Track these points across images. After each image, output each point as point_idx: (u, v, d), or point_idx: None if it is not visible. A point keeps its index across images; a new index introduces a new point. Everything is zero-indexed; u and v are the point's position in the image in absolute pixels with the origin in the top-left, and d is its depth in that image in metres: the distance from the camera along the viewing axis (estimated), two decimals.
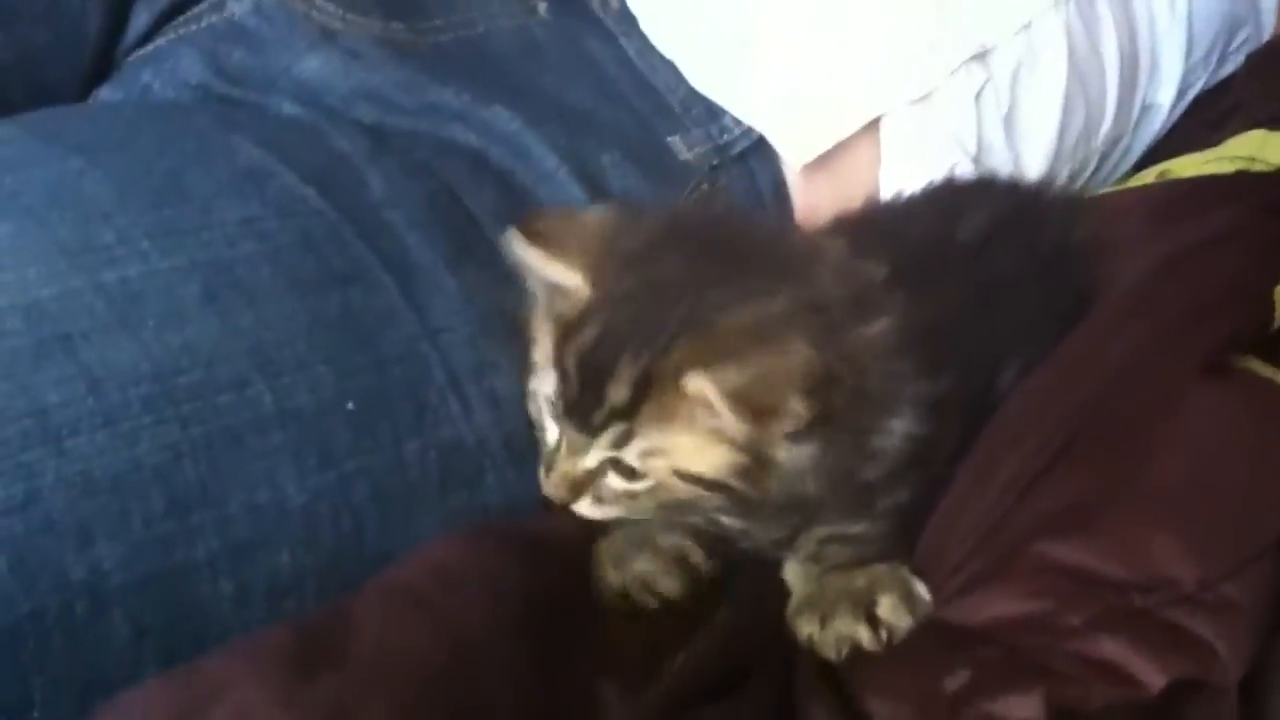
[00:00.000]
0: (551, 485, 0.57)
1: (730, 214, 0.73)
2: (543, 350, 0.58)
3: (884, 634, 0.57)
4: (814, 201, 0.81)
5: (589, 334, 0.55)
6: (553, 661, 0.53)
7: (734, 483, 0.55)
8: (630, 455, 0.55)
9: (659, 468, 0.55)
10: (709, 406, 0.53)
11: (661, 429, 0.55)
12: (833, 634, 0.57)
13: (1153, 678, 0.51)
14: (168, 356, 0.56)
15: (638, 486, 0.56)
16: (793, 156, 0.80)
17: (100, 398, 0.53)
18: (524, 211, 0.66)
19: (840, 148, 0.80)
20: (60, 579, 0.51)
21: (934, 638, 0.54)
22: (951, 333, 0.63)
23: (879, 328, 0.57)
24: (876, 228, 0.75)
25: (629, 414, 0.54)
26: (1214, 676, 0.52)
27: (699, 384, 0.52)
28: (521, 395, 0.63)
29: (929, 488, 0.61)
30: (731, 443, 0.54)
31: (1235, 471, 0.59)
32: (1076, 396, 0.64)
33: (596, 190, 0.74)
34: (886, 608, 0.57)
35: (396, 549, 0.60)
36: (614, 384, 0.54)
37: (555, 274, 0.57)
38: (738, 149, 0.80)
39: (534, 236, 0.58)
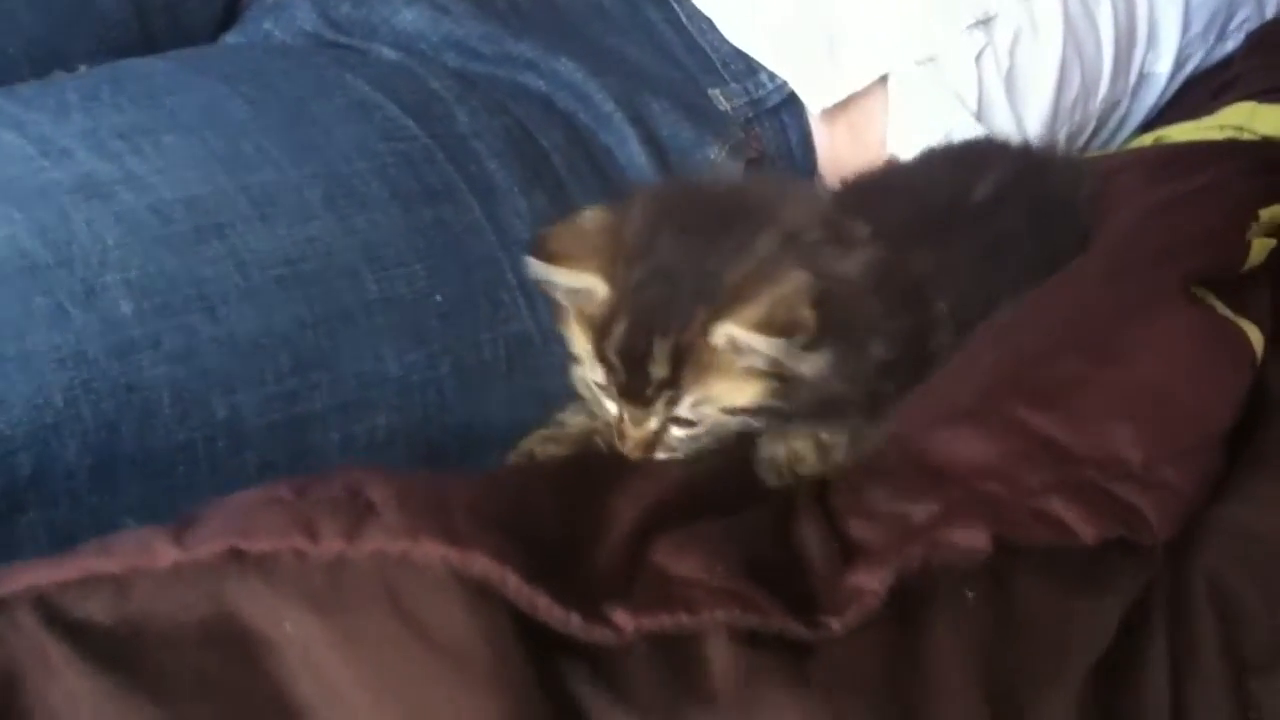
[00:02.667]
0: (629, 449, 0.66)
1: (702, 182, 0.80)
2: (582, 347, 0.66)
3: (827, 452, 0.66)
4: (835, 152, 0.91)
5: (619, 329, 0.63)
6: (578, 493, 0.59)
7: (772, 403, 0.65)
8: (683, 410, 0.65)
9: (709, 413, 0.65)
10: (737, 350, 0.62)
11: (703, 384, 0.64)
12: (784, 449, 0.66)
13: (1087, 532, 0.58)
14: (296, 246, 0.67)
15: (697, 430, 0.66)
16: (812, 102, 0.89)
17: (244, 275, 0.65)
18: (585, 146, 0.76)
19: (855, 103, 0.90)
20: (208, 417, 0.63)
21: (913, 471, 0.61)
22: (955, 277, 0.72)
23: (857, 259, 0.66)
24: (893, 188, 0.83)
25: (673, 382, 0.64)
26: (1142, 538, 0.59)
27: (726, 333, 0.62)
28: None
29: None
30: (761, 374, 0.64)
31: (1188, 381, 0.65)
32: (1058, 301, 0.72)
33: (647, 131, 0.83)
34: (829, 436, 0.67)
35: (472, 419, 0.72)
36: (653, 364, 0.63)
37: (576, 282, 0.64)
38: (770, 103, 0.90)
39: (549, 256, 0.65)
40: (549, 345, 0.75)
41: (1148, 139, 1.05)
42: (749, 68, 0.90)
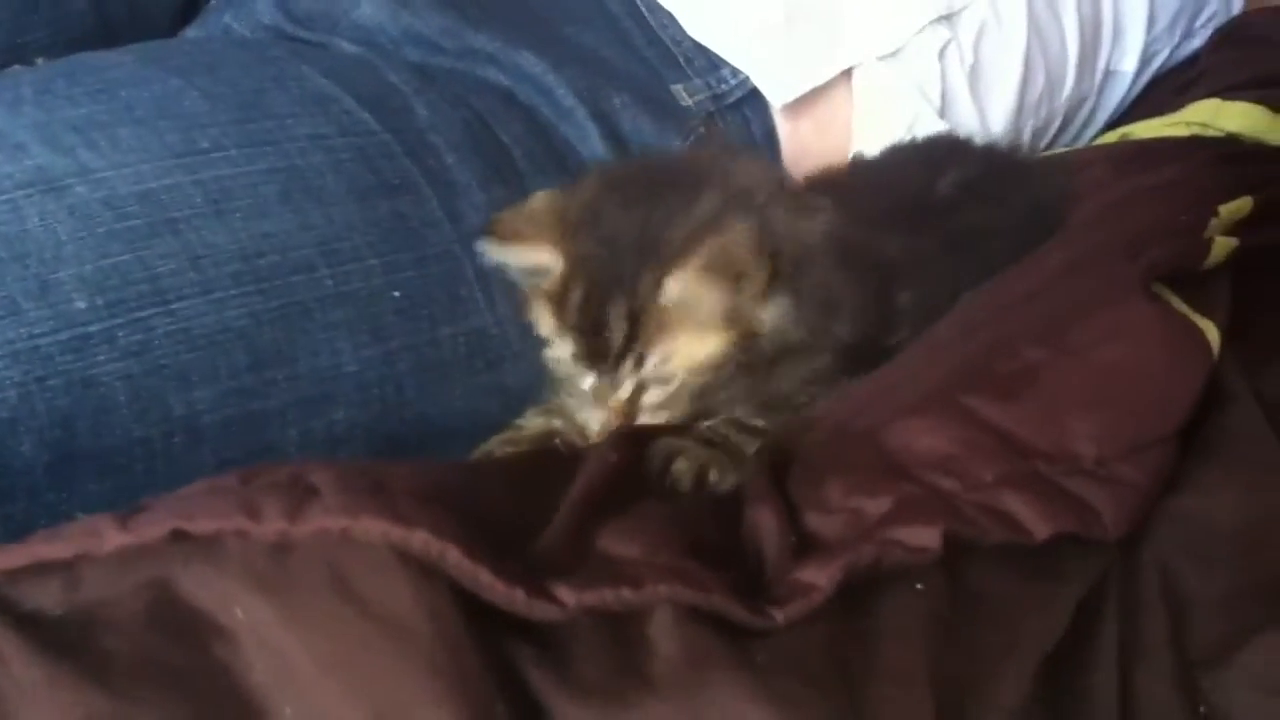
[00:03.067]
0: (612, 418, 0.67)
1: (645, 157, 0.83)
2: (546, 325, 0.67)
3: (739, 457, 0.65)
4: (799, 146, 0.91)
5: (575, 299, 0.65)
6: (528, 484, 0.60)
7: (735, 354, 0.66)
8: (650, 371, 0.66)
9: (676, 370, 0.66)
10: (687, 303, 0.63)
11: (662, 342, 0.65)
12: (690, 460, 0.64)
13: (1039, 529, 0.58)
14: (252, 241, 0.67)
15: (670, 389, 0.66)
16: (774, 97, 0.90)
17: (199, 271, 0.65)
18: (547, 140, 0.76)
19: (819, 96, 0.90)
20: (166, 413, 0.63)
21: (871, 464, 0.62)
22: (919, 268, 0.73)
23: (816, 224, 0.68)
24: (860, 180, 0.84)
25: (633, 345, 0.65)
26: (1094, 534, 0.59)
27: (675, 284, 0.63)
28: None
29: None
30: (717, 326, 0.65)
31: (1145, 377, 0.66)
32: (1014, 291, 0.73)
33: (608, 126, 0.84)
34: (739, 436, 0.67)
35: (431, 414, 0.72)
36: (611, 330, 0.65)
37: (529, 259, 0.66)
38: (733, 98, 0.90)
39: (503, 237, 0.67)
40: (508, 339, 0.75)
41: (1113, 136, 1.05)
42: (711, 63, 0.90)
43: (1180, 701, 0.59)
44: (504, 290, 0.75)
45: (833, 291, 0.67)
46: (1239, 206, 0.78)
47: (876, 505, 0.59)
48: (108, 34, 0.82)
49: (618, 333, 0.65)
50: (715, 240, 0.63)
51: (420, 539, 0.48)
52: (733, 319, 0.65)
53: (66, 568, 0.47)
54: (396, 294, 0.71)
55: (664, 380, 0.66)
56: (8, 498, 0.59)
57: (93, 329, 0.62)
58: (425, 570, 0.48)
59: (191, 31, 0.88)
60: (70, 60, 0.74)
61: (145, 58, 0.74)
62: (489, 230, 0.67)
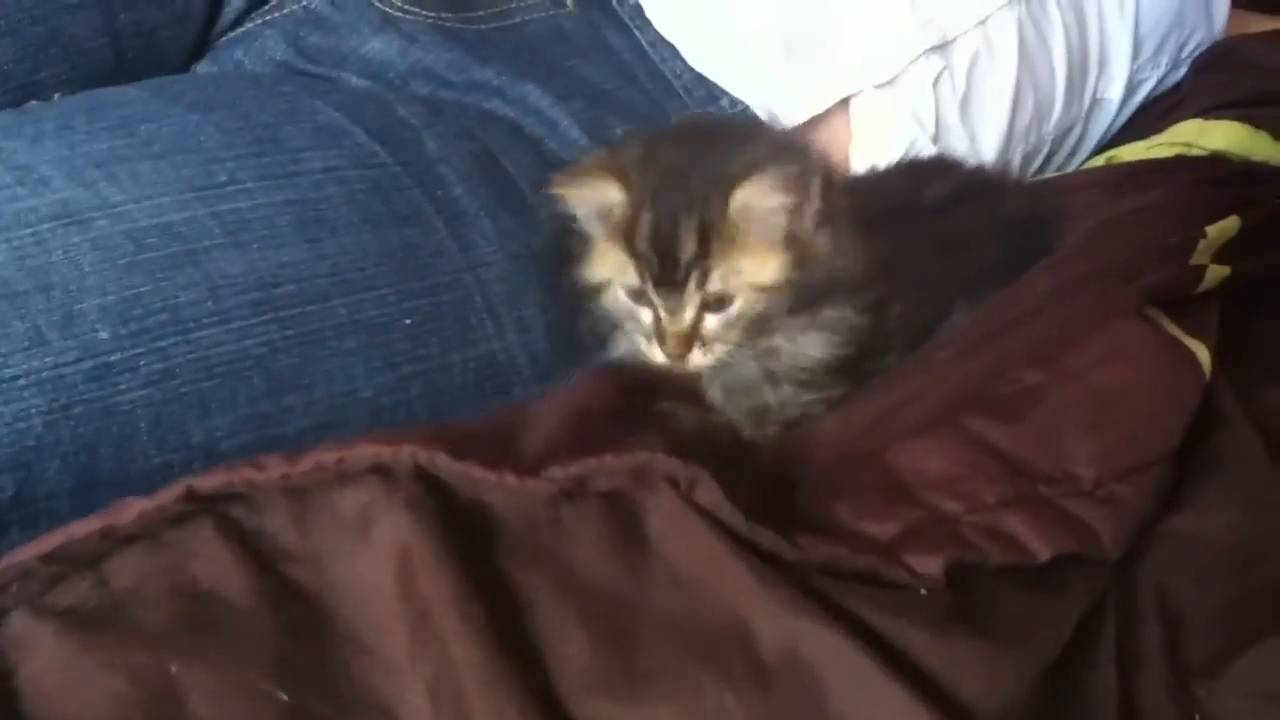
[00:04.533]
0: (670, 348, 0.70)
1: (684, 118, 0.90)
2: (611, 260, 0.71)
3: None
4: None
5: (646, 221, 0.69)
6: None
7: (793, 275, 0.70)
8: (715, 285, 0.69)
9: (739, 285, 0.69)
10: (753, 218, 0.68)
11: (730, 256, 0.69)
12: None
13: (1041, 551, 0.60)
14: (269, 271, 0.68)
15: (730, 312, 0.70)
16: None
17: (218, 300, 0.66)
18: (553, 170, 0.79)
19: (818, 123, 0.92)
20: (185, 440, 0.65)
21: (877, 487, 0.63)
22: (905, 264, 0.76)
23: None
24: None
25: (702, 256, 0.69)
26: (1094, 554, 0.61)
27: (743, 195, 0.67)
28: (546, 323, 0.77)
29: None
30: (778, 245, 0.69)
31: (1141, 400, 0.67)
32: (1008, 312, 0.75)
33: None
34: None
35: None
36: (683, 243, 0.68)
37: (600, 196, 0.70)
38: None
39: (571, 179, 0.71)
40: (516, 365, 0.77)
41: (1100, 159, 1.07)
42: (710, 93, 0.92)
43: (1175, 709, 0.61)
44: (513, 318, 0.77)
45: (858, 250, 0.72)
46: (1227, 226, 0.79)
47: (883, 530, 0.60)
48: (122, 69, 0.83)
49: (687, 247, 0.68)
50: (779, 167, 0.68)
51: (408, 450, 0.52)
52: (791, 239, 0.69)
53: (94, 566, 0.51)
54: (408, 321, 0.73)
55: (725, 301, 0.69)
56: (32, 523, 0.60)
57: (115, 358, 0.63)
58: (421, 486, 0.52)
59: (203, 67, 0.89)
60: (89, 96, 0.76)
61: (161, 94, 0.76)
62: (558, 179, 0.70)
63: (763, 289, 0.70)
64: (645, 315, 0.71)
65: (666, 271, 0.69)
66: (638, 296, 0.71)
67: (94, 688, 0.48)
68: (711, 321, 0.70)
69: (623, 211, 0.70)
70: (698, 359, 0.71)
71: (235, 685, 0.48)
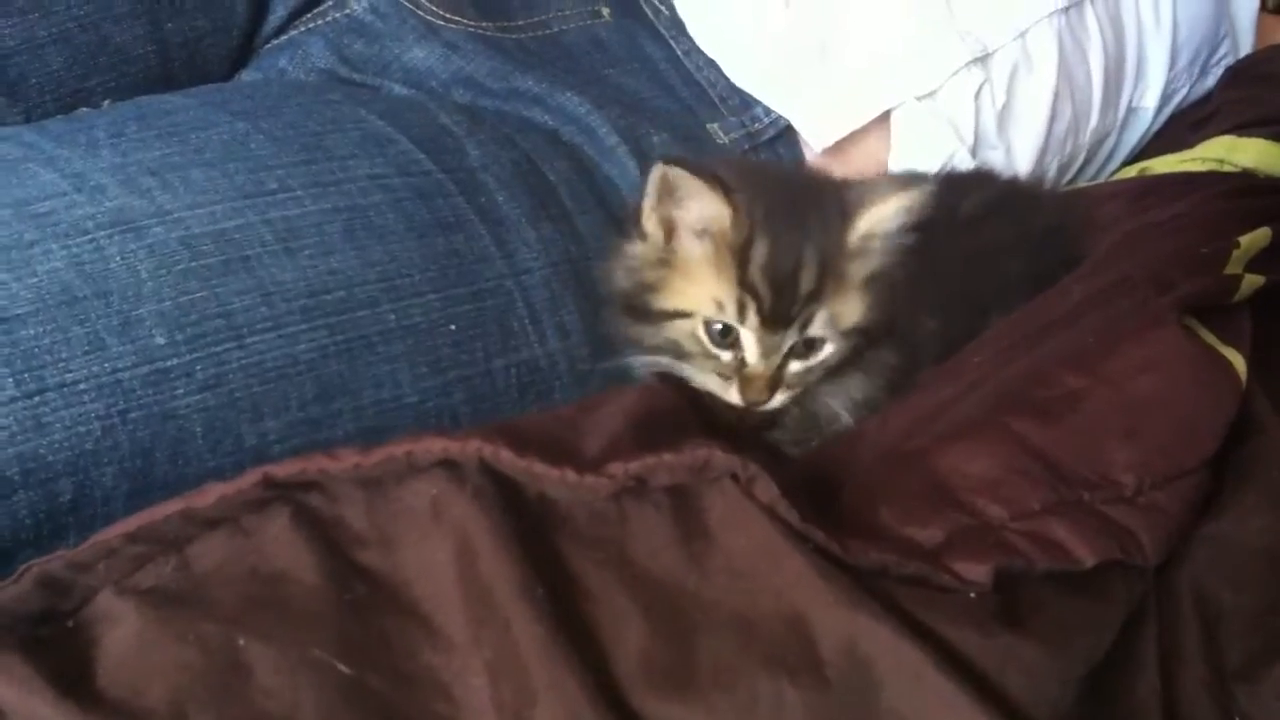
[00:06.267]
0: (752, 393, 0.68)
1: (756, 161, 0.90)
2: (703, 291, 0.68)
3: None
4: None
5: (762, 250, 0.66)
6: None
7: (871, 318, 0.69)
8: (817, 329, 0.68)
9: (832, 332, 0.68)
10: (871, 250, 0.67)
11: (836, 295, 0.67)
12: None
13: (1086, 557, 0.60)
14: (319, 278, 0.69)
15: (815, 359, 0.69)
16: (815, 140, 0.92)
17: (271, 306, 0.67)
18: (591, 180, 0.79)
19: (854, 135, 0.92)
20: (238, 444, 0.66)
21: (922, 490, 0.63)
22: (941, 278, 0.76)
23: None
24: None
25: (817, 294, 0.67)
26: (1136, 560, 0.62)
27: (871, 219, 0.67)
28: (582, 328, 0.77)
29: None
30: (863, 286, 0.68)
31: (1179, 408, 0.68)
32: (1043, 318, 0.75)
33: (648, 164, 0.83)
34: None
35: None
36: (804, 275, 0.66)
37: (709, 205, 0.67)
38: (766, 136, 0.93)
39: (687, 174, 0.66)
40: (558, 371, 0.78)
41: (1132, 170, 1.08)
42: (744, 102, 0.93)
43: (1216, 710, 0.62)
44: (555, 324, 0.78)
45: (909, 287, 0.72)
46: (1259, 237, 0.80)
47: (929, 536, 0.61)
48: (167, 77, 0.84)
49: (808, 280, 0.66)
50: (895, 197, 0.67)
51: (474, 445, 0.54)
52: (872, 279, 0.68)
53: (178, 549, 0.53)
54: (453, 327, 0.73)
55: (815, 346, 0.69)
56: (88, 526, 0.61)
57: (171, 363, 0.64)
58: (478, 491, 0.54)
59: (247, 75, 0.90)
60: (138, 104, 0.77)
61: (210, 102, 0.77)
62: (672, 161, 0.67)
63: (848, 334, 0.68)
64: (725, 355, 0.70)
65: (779, 304, 0.67)
66: (723, 335, 0.69)
67: (166, 656, 0.49)
68: (796, 366, 0.69)
69: (732, 236, 0.67)
70: (774, 403, 0.69)
71: (298, 658, 0.50)
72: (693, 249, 0.69)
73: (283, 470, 0.54)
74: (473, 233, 0.77)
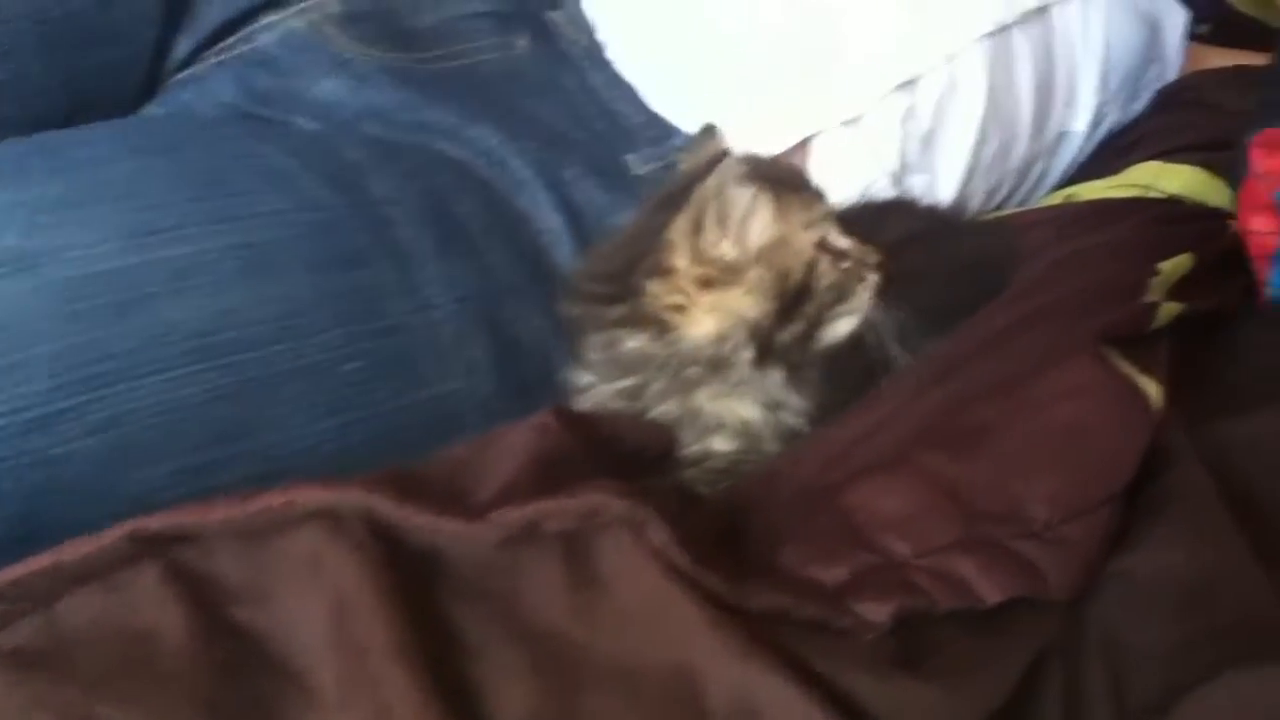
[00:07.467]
0: None
1: None
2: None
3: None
4: None
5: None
6: None
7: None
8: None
9: None
10: None
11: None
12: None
13: (991, 594, 0.59)
14: (210, 318, 0.68)
15: None
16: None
17: (161, 348, 0.66)
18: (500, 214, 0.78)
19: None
20: (126, 491, 0.64)
21: (829, 527, 0.63)
22: None
23: None
24: None
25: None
26: (1042, 596, 0.60)
27: None
28: (491, 363, 0.76)
29: None
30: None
31: (1094, 438, 0.67)
32: (964, 348, 0.75)
33: (561, 196, 0.85)
34: None
35: None
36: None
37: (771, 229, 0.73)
38: None
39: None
40: (465, 409, 0.76)
41: (1058, 197, 1.07)
42: (663, 132, 0.92)
43: None
44: (462, 360, 0.77)
45: None
46: (1180, 263, 0.80)
47: (833, 575, 0.60)
48: (73, 110, 0.83)
49: None
50: None
51: (354, 495, 0.53)
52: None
53: (47, 605, 0.51)
54: (354, 365, 0.72)
55: None
56: None
57: (56, 407, 0.62)
58: (358, 544, 0.53)
59: (152, 109, 0.89)
60: (44, 138, 0.75)
61: (113, 138, 0.75)
62: (748, 165, 0.71)
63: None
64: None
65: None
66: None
67: None
68: None
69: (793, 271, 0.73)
70: None
71: None
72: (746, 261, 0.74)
73: (155, 522, 0.52)
74: (377, 268, 0.75)
